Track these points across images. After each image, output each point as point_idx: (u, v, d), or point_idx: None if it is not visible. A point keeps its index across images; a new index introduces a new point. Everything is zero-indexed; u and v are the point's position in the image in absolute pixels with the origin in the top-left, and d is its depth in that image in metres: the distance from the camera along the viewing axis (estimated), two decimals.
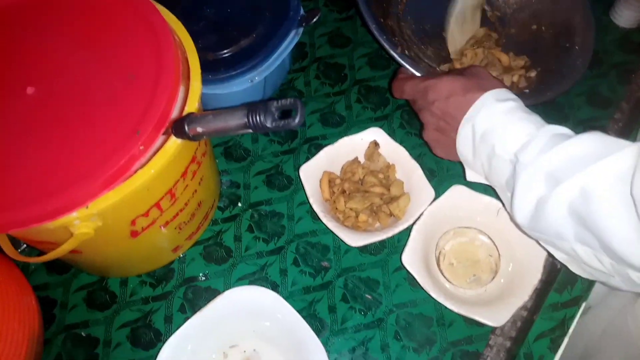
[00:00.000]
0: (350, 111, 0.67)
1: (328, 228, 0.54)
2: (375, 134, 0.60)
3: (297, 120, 0.36)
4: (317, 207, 0.55)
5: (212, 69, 0.57)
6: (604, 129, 0.65)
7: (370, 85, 0.69)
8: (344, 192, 0.58)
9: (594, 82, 0.69)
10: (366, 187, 0.58)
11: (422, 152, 0.63)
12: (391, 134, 0.65)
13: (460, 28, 0.69)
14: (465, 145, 0.50)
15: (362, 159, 0.61)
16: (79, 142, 0.40)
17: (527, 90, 0.63)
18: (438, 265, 0.55)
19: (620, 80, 0.69)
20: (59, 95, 0.43)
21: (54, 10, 0.48)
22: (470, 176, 0.53)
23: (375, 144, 0.60)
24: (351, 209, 0.57)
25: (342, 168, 0.60)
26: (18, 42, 0.46)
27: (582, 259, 0.43)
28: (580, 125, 0.65)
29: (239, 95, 0.59)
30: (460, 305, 0.51)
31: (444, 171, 0.63)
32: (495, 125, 0.47)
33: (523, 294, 0.51)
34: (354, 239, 0.53)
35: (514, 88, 0.64)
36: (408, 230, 0.55)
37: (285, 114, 0.37)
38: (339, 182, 0.58)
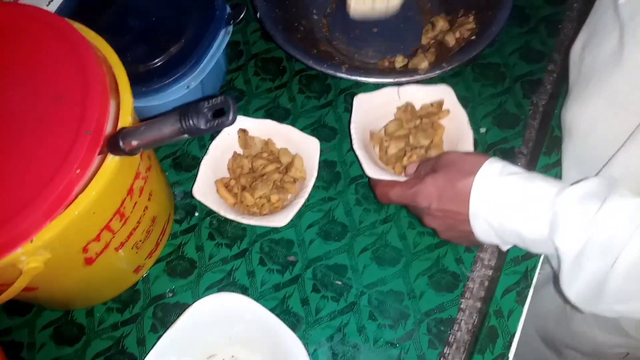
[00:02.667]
0: (295, 103, 0.67)
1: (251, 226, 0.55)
2: (240, 123, 0.60)
3: (230, 117, 0.36)
4: (231, 216, 0.55)
5: (145, 80, 0.56)
6: (541, 82, 0.66)
7: (310, 74, 0.69)
8: (244, 188, 0.58)
9: (525, 37, 0.70)
10: (260, 171, 0.58)
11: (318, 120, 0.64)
12: (338, 119, 0.66)
13: None
14: (489, 236, 0.47)
15: (239, 151, 0.61)
16: (12, 173, 0.39)
17: (473, 37, 0.65)
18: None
19: (550, 33, 0.70)
20: None
21: None
22: None
23: (243, 132, 0.60)
24: (260, 197, 0.57)
25: (229, 168, 0.60)
26: None
27: None
28: (518, 81, 0.67)
29: (177, 103, 0.58)
30: None
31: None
32: (507, 213, 0.44)
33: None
34: (280, 220, 0.54)
35: (462, 41, 0.66)
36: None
37: (218, 112, 0.37)
38: (234, 183, 0.58)
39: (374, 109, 0.61)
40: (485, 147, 0.63)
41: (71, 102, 0.41)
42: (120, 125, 0.42)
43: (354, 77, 0.60)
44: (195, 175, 0.57)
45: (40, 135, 0.40)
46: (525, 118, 0.64)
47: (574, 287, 0.42)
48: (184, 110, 0.36)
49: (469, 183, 0.46)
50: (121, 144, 0.39)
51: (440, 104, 0.60)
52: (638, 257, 0.38)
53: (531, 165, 0.61)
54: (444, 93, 0.60)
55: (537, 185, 0.44)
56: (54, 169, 0.38)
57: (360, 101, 0.60)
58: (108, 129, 0.41)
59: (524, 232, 0.44)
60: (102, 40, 0.48)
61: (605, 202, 0.40)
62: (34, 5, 0.57)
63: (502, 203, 0.45)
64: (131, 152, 0.39)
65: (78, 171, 0.38)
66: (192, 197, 0.57)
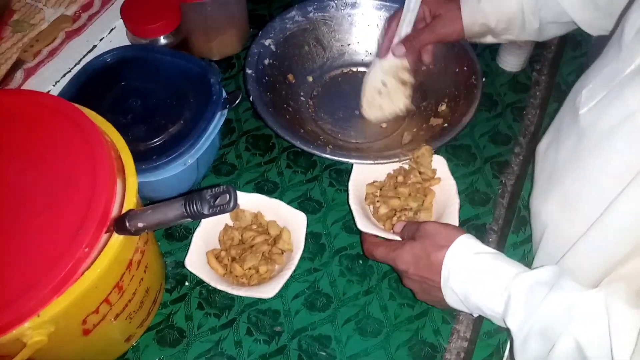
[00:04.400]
0: (283, 177, 0.72)
1: (240, 296, 0.58)
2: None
3: (231, 205, 0.40)
4: (220, 287, 0.58)
5: (145, 158, 0.60)
6: (508, 163, 0.73)
7: (297, 150, 0.74)
8: (234, 259, 0.61)
9: (493, 122, 0.78)
10: (249, 243, 0.62)
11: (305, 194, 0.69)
12: (323, 193, 0.70)
13: (379, 98, 0.76)
14: (457, 304, 0.53)
15: (230, 223, 0.65)
16: (24, 251, 0.42)
17: (446, 125, 0.71)
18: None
19: (515, 118, 0.78)
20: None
21: None
22: None
23: None
24: (250, 269, 0.60)
25: (220, 240, 0.63)
26: None
27: None
28: (488, 162, 0.73)
29: (173, 178, 0.62)
30: None
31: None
32: (471, 288, 0.50)
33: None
34: (267, 291, 0.57)
35: (437, 129, 0.72)
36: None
37: (219, 199, 0.41)
38: (224, 254, 0.62)
39: (371, 169, 0.67)
40: (459, 223, 0.68)
41: (81, 184, 0.45)
42: (125, 204, 0.46)
43: (336, 158, 0.66)
44: (187, 246, 0.60)
45: (51, 215, 0.43)
46: (495, 197, 0.70)
47: None
48: (189, 197, 0.40)
49: (441, 255, 0.52)
50: (128, 225, 0.42)
51: (432, 170, 0.66)
52: (570, 347, 0.43)
53: (501, 242, 0.66)
54: (438, 162, 0.67)
55: (499, 266, 0.49)
56: (63, 247, 0.41)
57: (358, 167, 0.66)
58: (115, 209, 0.44)
59: (483, 308, 0.49)
60: (110, 125, 0.52)
61: (550, 293, 0.45)
62: (39, 90, 0.62)
63: (468, 278, 0.50)
64: (136, 233, 0.43)
65: (86, 249, 0.41)
66: (183, 266, 0.60)
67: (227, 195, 0.40)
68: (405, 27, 0.70)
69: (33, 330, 0.41)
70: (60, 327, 0.43)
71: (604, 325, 0.42)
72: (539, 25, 0.66)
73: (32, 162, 0.47)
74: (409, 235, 0.57)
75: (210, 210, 0.40)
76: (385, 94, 0.75)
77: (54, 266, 0.41)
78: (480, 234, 0.67)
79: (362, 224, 0.60)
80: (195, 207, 0.40)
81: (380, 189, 0.67)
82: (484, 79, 0.75)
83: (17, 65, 0.68)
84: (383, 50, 0.73)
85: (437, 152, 0.69)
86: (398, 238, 0.59)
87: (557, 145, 0.57)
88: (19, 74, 0.67)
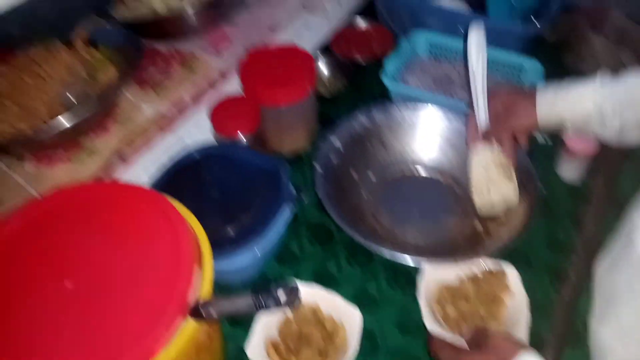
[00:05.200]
0: (341, 270, 0.76)
1: None
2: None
3: (295, 303, 0.44)
4: None
5: (218, 246, 0.65)
6: (565, 274, 0.73)
7: (357, 244, 0.78)
8: (290, 350, 0.64)
9: (551, 229, 0.79)
10: (305, 336, 0.65)
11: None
12: (379, 289, 0.73)
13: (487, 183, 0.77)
14: None
15: (289, 314, 0.67)
16: (109, 326, 0.47)
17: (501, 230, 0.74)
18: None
19: (574, 227, 0.79)
20: (91, 285, 0.50)
21: (88, 209, 0.57)
22: None
23: None
24: None
25: (278, 330, 0.67)
26: (59, 239, 0.55)
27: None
28: (545, 270, 0.74)
29: (242, 268, 0.67)
30: None
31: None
32: None
33: None
34: None
35: (493, 234, 0.75)
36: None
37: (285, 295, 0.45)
38: (282, 345, 0.64)
39: (443, 270, 0.69)
40: None
41: (165, 269, 0.51)
42: (201, 292, 0.51)
43: (394, 256, 0.69)
44: (248, 331, 0.65)
45: (136, 295, 0.49)
46: (550, 306, 0.70)
47: None
48: (259, 292, 0.45)
49: None
50: (202, 312, 0.47)
51: (502, 277, 0.68)
52: None
53: (557, 355, 0.65)
54: (511, 274, 0.68)
55: None
56: (145, 327, 0.46)
57: (430, 269, 0.69)
58: (192, 296, 0.50)
59: None
60: (192, 216, 0.59)
61: None
62: (134, 178, 0.71)
63: None
64: (209, 319, 0.48)
65: (165, 331, 0.46)
66: (243, 351, 0.64)
67: (292, 293, 0.44)
68: (482, 117, 0.76)
69: None
70: None
71: None
72: (619, 127, 0.67)
73: (124, 246, 0.53)
74: (476, 344, 0.58)
75: (276, 305, 0.44)
76: (493, 188, 0.76)
77: (135, 344, 0.45)
78: (535, 343, 0.66)
79: (431, 324, 0.63)
80: (262, 302, 0.44)
81: (451, 292, 0.69)
82: (542, 190, 0.77)
83: (117, 155, 0.78)
84: (471, 139, 0.78)
85: (492, 256, 0.71)
86: (464, 342, 0.61)
87: (614, 270, 0.57)
88: (118, 163, 0.77)
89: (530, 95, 0.72)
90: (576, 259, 0.75)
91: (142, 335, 0.46)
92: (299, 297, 0.44)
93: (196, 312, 0.48)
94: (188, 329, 0.49)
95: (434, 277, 0.69)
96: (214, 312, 0.47)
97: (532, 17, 1.04)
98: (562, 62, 1.08)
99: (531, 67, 0.96)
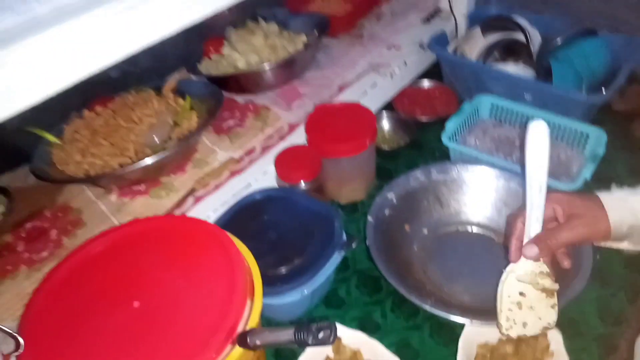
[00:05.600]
0: (386, 319, 0.78)
1: None
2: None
3: (331, 340, 0.48)
4: None
5: (270, 284, 0.71)
6: (615, 346, 0.71)
7: (403, 296, 0.80)
8: None
9: (605, 300, 0.77)
10: None
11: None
12: (422, 342, 0.74)
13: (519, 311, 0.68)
14: None
15: (331, 355, 0.70)
16: (166, 347, 0.53)
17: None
18: None
19: (629, 300, 0.77)
20: (155, 307, 0.57)
21: (159, 239, 0.65)
22: None
23: (338, 339, 0.69)
24: None
25: None
26: (132, 264, 0.62)
27: None
28: (594, 340, 0.72)
29: (290, 304, 0.72)
30: None
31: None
32: None
33: None
34: None
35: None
36: None
37: (323, 332, 0.49)
38: None
39: (484, 329, 0.69)
40: None
41: (219, 298, 0.56)
42: (250, 322, 0.56)
43: (436, 311, 0.70)
44: None
45: (191, 319, 0.55)
46: None
47: None
48: (299, 327, 0.49)
49: None
50: (248, 340, 0.52)
51: (543, 340, 0.68)
52: None
53: None
54: (553, 336, 0.68)
55: None
56: (196, 350, 0.52)
57: (466, 334, 0.69)
58: (241, 325, 0.54)
59: None
60: (249, 252, 0.65)
61: None
62: (202, 213, 0.79)
63: None
64: (254, 348, 0.52)
65: (214, 355, 0.51)
66: None
67: (330, 332, 0.48)
68: (533, 225, 0.65)
69: None
70: None
71: None
72: None
73: (187, 274, 0.60)
74: None
75: (313, 341, 0.48)
76: (527, 306, 0.67)
77: None
78: None
79: None
80: (302, 336, 0.48)
81: (491, 353, 0.69)
82: (597, 257, 0.76)
83: (191, 192, 0.86)
84: (513, 253, 0.67)
85: None
86: None
87: None
88: (190, 200, 0.86)
89: (596, 201, 0.64)
90: (627, 331, 0.72)
91: (193, 356, 0.51)
92: (334, 336, 0.48)
93: (243, 340, 0.52)
94: (235, 355, 0.53)
95: (475, 335, 0.69)
96: (258, 341, 0.51)
97: (600, 85, 1.05)
98: (630, 133, 1.07)
99: (595, 135, 0.96)
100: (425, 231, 0.90)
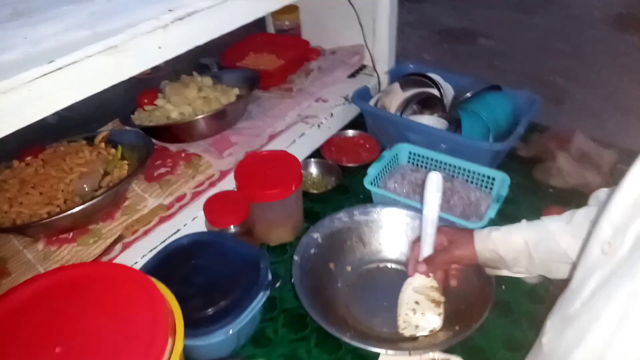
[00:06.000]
0: (310, 355, 0.81)
1: None
2: None
3: None
4: None
5: (196, 325, 0.73)
6: None
7: (326, 332, 0.84)
8: None
9: (509, 328, 0.84)
10: None
11: None
12: None
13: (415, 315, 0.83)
14: None
15: None
16: None
17: (457, 328, 0.79)
18: None
19: (530, 327, 0.84)
20: (78, 351, 0.58)
21: (85, 286, 0.66)
22: None
23: None
24: None
25: None
26: (55, 310, 0.63)
27: None
28: None
29: (215, 344, 0.74)
30: None
31: None
32: None
33: None
34: None
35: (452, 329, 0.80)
36: None
37: None
38: None
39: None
40: None
41: (142, 340, 0.58)
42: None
43: (355, 343, 0.75)
44: None
45: None
46: None
47: None
48: None
49: None
50: None
51: None
52: None
53: None
54: None
55: None
56: None
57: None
58: None
59: None
60: (172, 296, 0.68)
61: None
62: (130, 259, 0.81)
63: None
64: None
65: None
66: None
67: None
68: (426, 248, 0.83)
69: None
70: None
71: None
72: (540, 262, 0.76)
73: (110, 318, 0.62)
74: None
75: None
76: (420, 313, 0.83)
77: None
78: None
79: None
80: None
81: None
82: (503, 287, 0.84)
83: (118, 239, 0.88)
84: (410, 269, 0.85)
85: (451, 351, 0.76)
86: None
87: None
88: (118, 247, 0.88)
89: (470, 232, 0.82)
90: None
91: None
92: None
93: None
94: None
95: None
96: None
97: (506, 134, 1.17)
98: (532, 177, 1.19)
99: (500, 178, 1.07)
100: (348, 268, 0.96)
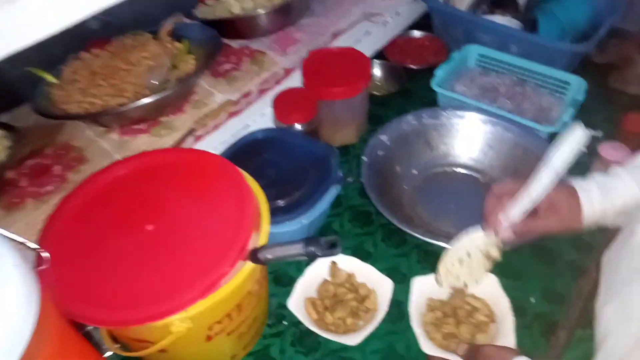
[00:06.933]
0: (376, 248, 0.84)
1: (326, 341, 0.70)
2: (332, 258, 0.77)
3: (337, 250, 0.53)
4: (312, 328, 0.70)
5: (272, 214, 0.75)
6: (585, 268, 0.78)
7: (392, 228, 0.85)
8: (326, 308, 0.73)
9: (548, 278, 0.81)
10: (341, 297, 0.73)
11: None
12: (409, 268, 0.81)
13: (459, 267, 0.73)
14: None
15: (328, 278, 0.77)
16: (183, 263, 0.57)
17: None
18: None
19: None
20: (170, 230, 0.61)
21: (172, 170, 0.68)
22: None
23: (333, 263, 0.76)
24: (338, 318, 0.71)
25: (317, 290, 0.76)
26: (146, 191, 0.66)
27: None
28: (567, 267, 0.79)
29: (289, 233, 0.76)
30: None
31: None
32: None
33: None
34: (352, 339, 0.68)
35: None
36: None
37: (330, 246, 0.54)
38: (319, 303, 0.74)
39: (430, 291, 0.74)
40: (533, 317, 0.74)
41: (230, 220, 0.60)
42: (259, 243, 0.61)
43: (426, 238, 0.76)
44: (289, 290, 0.74)
45: (206, 240, 0.59)
46: (569, 297, 0.75)
47: None
48: (308, 240, 0.54)
49: None
50: (259, 255, 0.56)
51: (487, 305, 0.73)
52: None
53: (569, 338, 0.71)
54: (490, 281, 0.73)
55: None
56: (211, 264, 0.56)
57: (418, 283, 0.74)
58: (252, 244, 0.59)
59: None
60: (256, 183, 0.69)
61: None
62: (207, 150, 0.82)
63: None
64: (265, 263, 0.57)
65: (227, 269, 0.56)
66: (284, 308, 0.73)
67: (336, 243, 0.53)
68: (518, 211, 0.67)
69: (179, 322, 0.55)
70: (195, 325, 0.57)
71: None
72: None
73: (198, 200, 0.64)
74: (469, 357, 0.64)
75: (322, 253, 0.53)
76: (467, 265, 0.73)
77: (203, 276, 0.55)
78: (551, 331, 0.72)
79: (426, 346, 0.67)
80: (311, 248, 0.53)
81: (439, 308, 0.73)
82: None
83: (190, 132, 0.89)
84: (489, 225, 0.70)
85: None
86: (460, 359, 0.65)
87: (617, 256, 0.62)
88: (190, 139, 0.89)
89: (573, 193, 0.66)
90: (597, 255, 0.79)
91: (209, 270, 0.56)
92: (339, 247, 0.53)
93: (255, 256, 0.57)
94: (246, 270, 0.58)
95: (424, 294, 0.74)
96: (269, 255, 0.56)
97: (582, 39, 1.09)
98: (607, 83, 1.12)
99: (576, 83, 1.01)
100: (415, 172, 0.95)
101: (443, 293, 0.75)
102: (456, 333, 0.70)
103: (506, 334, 0.68)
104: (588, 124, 0.84)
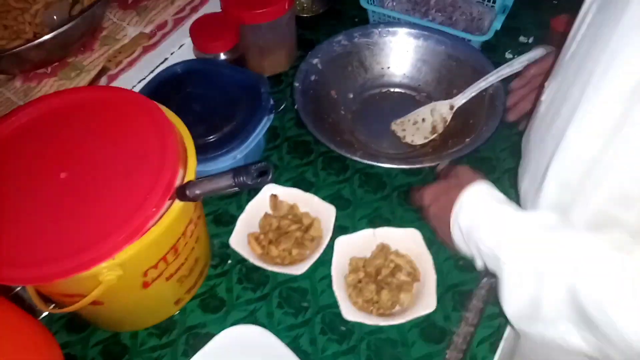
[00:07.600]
0: (318, 177, 0.81)
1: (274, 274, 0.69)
2: (272, 189, 0.75)
3: (269, 178, 0.49)
4: (257, 263, 0.68)
5: (202, 151, 0.70)
6: None
7: (332, 155, 0.83)
8: (270, 242, 0.70)
9: (513, 138, 0.84)
10: (285, 229, 0.71)
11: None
12: (352, 193, 0.79)
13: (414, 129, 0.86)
14: (460, 242, 0.57)
15: (269, 211, 0.74)
16: (105, 209, 0.52)
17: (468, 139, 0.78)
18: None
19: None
20: (86, 176, 0.55)
21: (84, 111, 0.61)
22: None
23: (274, 196, 0.74)
24: (283, 250, 0.70)
25: (259, 225, 0.73)
26: (55, 137, 0.59)
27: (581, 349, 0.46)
28: (506, 173, 0.80)
29: (224, 170, 0.72)
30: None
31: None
32: (474, 223, 0.54)
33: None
34: (298, 269, 0.67)
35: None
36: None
37: (261, 174, 0.50)
38: (263, 237, 0.71)
39: (353, 251, 0.70)
40: None
41: (152, 159, 0.55)
42: (186, 178, 0.56)
43: (365, 161, 0.74)
44: (232, 230, 0.71)
45: (128, 181, 0.54)
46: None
47: (512, 306, 0.50)
48: (237, 170, 0.50)
49: (458, 193, 0.58)
50: (187, 192, 0.52)
51: (410, 262, 0.69)
52: (564, 290, 0.44)
53: None
54: (413, 236, 0.69)
55: (505, 209, 0.54)
56: (136, 206, 0.52)
57: (341, 243, 0.69)
58: (177, 180, 0.55)
59: (480, 244, 0.53)
60: (178, 119, 0.63)
61: (551, 234, 0.47)
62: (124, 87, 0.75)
63: (474, 215, 0.55)
64: (194, 199, 0.53)
65: (154, 209, 0.52)
66: (228, 247, 0.70)
67: (267, 170, 0.49)
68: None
69: (107, 270, 0.51)
70: (127, 272, 0.53)
71: (604, 271, 0.42)
72: None
73: (115, 141, 0.58)
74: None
75: (253, 182, 0.49)
76: (418, 126, 0.85)
77: (128, 220, 0.51)
78: None
79: (347, 312, 0.64)
80: (241, 178, 0.49)
81: (364, 264, 0.69)
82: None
83: (102, 72, 0.81)
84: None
85: (458, 162, 0.76)
86: (391, 322, 0.63)
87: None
88: (103, 80, 0.81)
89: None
90: None
91: (134, 213, 0.51)
92: (272, 174, 0.49)
93: (182, 193, 0.53)
94: (175, 210, 0.54)
95: (345, 254, 0.70)
96: (198, 191, 0.52)
97: None
98: None
99: None
100: (351, 95, 0.92)
101: (367, 250, 0.71)
102: (377, 299, 0.66)
103: (429, 292, 0.65)
104: (518, 28, 0.83)
